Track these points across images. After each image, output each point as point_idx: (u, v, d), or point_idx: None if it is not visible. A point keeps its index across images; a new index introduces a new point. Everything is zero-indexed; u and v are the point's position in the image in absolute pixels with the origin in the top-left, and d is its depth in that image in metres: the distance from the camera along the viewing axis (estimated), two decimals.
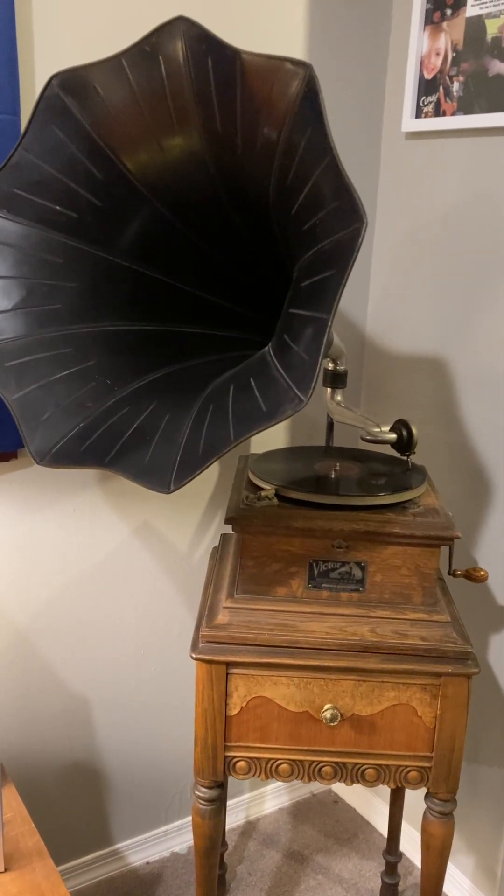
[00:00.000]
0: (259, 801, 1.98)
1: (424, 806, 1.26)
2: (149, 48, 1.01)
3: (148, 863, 1.81)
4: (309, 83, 0.91)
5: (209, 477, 1.69)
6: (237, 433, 0.96)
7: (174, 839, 1.85)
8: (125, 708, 1.71)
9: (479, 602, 1.56)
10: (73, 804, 1.69)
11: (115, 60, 1.04)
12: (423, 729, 1.20)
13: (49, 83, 1.07)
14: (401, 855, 1.74)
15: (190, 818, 1.84)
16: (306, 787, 2.05)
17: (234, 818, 1.94)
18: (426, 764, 1.21)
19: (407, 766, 1.22)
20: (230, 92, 0.98)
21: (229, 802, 1.88)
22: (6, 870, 1.07)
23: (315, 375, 0.90)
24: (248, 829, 1.94)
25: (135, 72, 1.03)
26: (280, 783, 1.99)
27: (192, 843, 1.83)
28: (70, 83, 1.06)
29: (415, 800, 1.74)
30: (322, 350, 0.90)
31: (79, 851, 1.73)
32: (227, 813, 1.84)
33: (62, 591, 1.56)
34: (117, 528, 1.59)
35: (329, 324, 0.90)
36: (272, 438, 1.71)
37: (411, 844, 1.80)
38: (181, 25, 0.98)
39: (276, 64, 0.93)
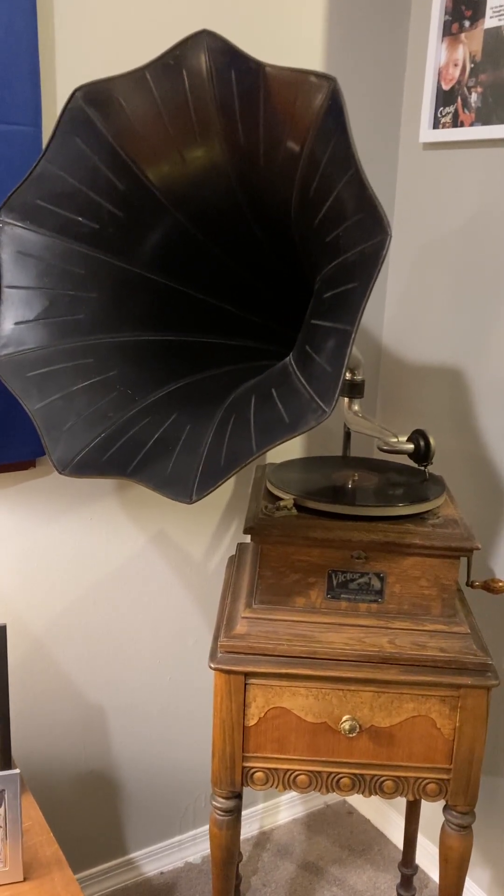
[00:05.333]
0: (273, 812, 1.98)
1: (440, 817, 1.25)
2: (172, 61, 1.01)
3: (162, 873, 1.81)
4: (333, 96, 0.91)
5: (225, 486, 1.69)
6: (259, 444, 0.96)
7: (188, 849, 1.85)
8: (140, 717, 1.71)
9: (497, 613, 1.55)
10: (88, 813, 1.69)
11: (138, 73, 1.04)
12: (442, 741, 1.19)
13: (73, 95, 1.07)
14: (416, 867, 1.73)
15: (204, 828, 1.84)
16: (320, 798, 2.04)
17: (249, 829, 1.93)
18: (445, 776, 1.21)
19: (425, 779, 1.21)
20: (253, 105, 0.98)
21: (243, 813, 1.87)
22: (25, 879, 1.07)
23: (338, 387, 0.91)
24: (262, 839, 1.93)
25: (158, 84, 1.04)
26: (294, 794, 1.99)
27: (206, 853, 1.83)
28: (94, 96, 1.07)
29: (429, 812, 1.73)
30: (346, 361, 0.90)
31: (93, 861, 1.73)
32: (242, 823, 1.83)
33: (78, 600, 1.56)
34: (133, 536, 1.60)
35: (353, 335, 0.90)
36: (288, 448, 1.71)
37: (426, 857, 1.78)
38: (205, 39, 0.98)
39: (299, 77, 0.94)
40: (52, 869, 1.09)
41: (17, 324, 1.12)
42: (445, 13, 1.50)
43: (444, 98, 1.52)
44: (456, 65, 1.49)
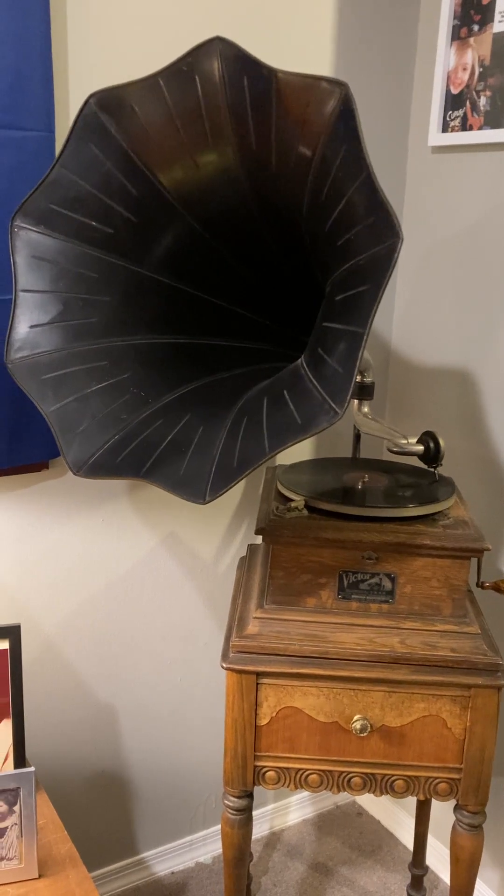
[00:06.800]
0: (283, 813, 1.98)
1: (450, 818, 1.26)
2: (185, 68, 1.03)
3: (173, 872, 1.82)
4: (345, 102, 0.92)
5: (236, 487, 1.69)
6: (272, 445, 0.97)
7: (199, 849, 1.85)
8: (151, 717, 1.72)
9: None
10: (100, 813, 1.70)
11: (152, 80, 1.06)
12: (453, 741, 1.20)
13: (87, 102, 1.09)
14: (427, 868, 1.73)
15: (215, 828, 1.85)
16: (330, 799, 2.05)
17: (259, 829, 1.94)
18: (455, 776, 1.21)
19: (436, 778, 1.22)
20: (265, 110, 0.99)
21: (254, 813, 1.88)
22: (40, 876, 1.08)
23: (350, 388, 0.92)
24: (273, 840, 1.94)
25: (171, 91, 1.05)
26: (304, 794, 1.99)
27: (216, 853, 1.84)
28: (107, 102, 1.08)
29: (439, 812, 1.73)
30: (357, 363, 0.91)
31: (104, 860, 1.74)
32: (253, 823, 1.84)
33: (90, 600, 1.58)
34: (144, 538, 1.61)
35: (365, 338, 0.91)
36: (297, 449, 1.72)
37: (436, 857, 1.79)
38: (218, 45, 1.00)
39: (311, 83, 0.95)
40: (67, 866, 1.11)
41: (31, 327, 1.13)
42: (454, 18, 1.51)
43: (453, 102, 1.53)
44: (465, 69, 1.50)
